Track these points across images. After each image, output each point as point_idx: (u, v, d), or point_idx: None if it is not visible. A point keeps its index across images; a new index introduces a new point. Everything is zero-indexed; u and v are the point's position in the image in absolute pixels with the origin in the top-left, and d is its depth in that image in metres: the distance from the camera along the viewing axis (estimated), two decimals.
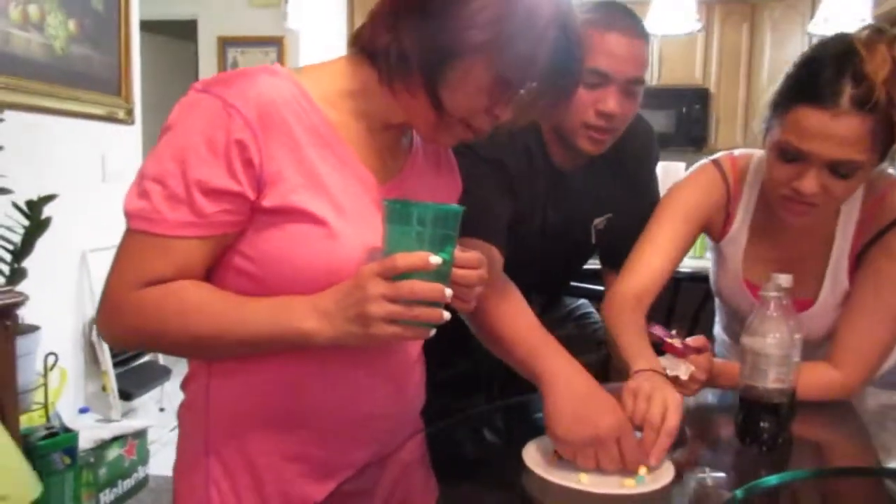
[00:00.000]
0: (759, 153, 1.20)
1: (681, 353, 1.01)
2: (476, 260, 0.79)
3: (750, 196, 1.21)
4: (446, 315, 0.70)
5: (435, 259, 0.68)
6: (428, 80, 0.74)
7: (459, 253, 0.76)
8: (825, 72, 0.97)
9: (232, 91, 0.73)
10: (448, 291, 0.70)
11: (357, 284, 0.69)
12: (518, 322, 0.99)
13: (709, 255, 1.38)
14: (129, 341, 0.80)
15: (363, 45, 0.80)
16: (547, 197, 1.28)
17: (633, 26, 1.16)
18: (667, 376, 1.00)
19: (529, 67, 0.74)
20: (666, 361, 1.02)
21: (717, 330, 1.43)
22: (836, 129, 0.96)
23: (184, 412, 0.86)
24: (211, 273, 0.78)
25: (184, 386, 0.87)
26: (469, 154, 1.03)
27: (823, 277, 1.16)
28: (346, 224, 0.76)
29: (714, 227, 1.25)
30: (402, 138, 0.88)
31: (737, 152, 1.25)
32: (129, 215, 0.74)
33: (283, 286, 0.75)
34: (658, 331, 1.03)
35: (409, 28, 0.74)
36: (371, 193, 0.80)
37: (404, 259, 0.68)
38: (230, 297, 0.76)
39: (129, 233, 0.74)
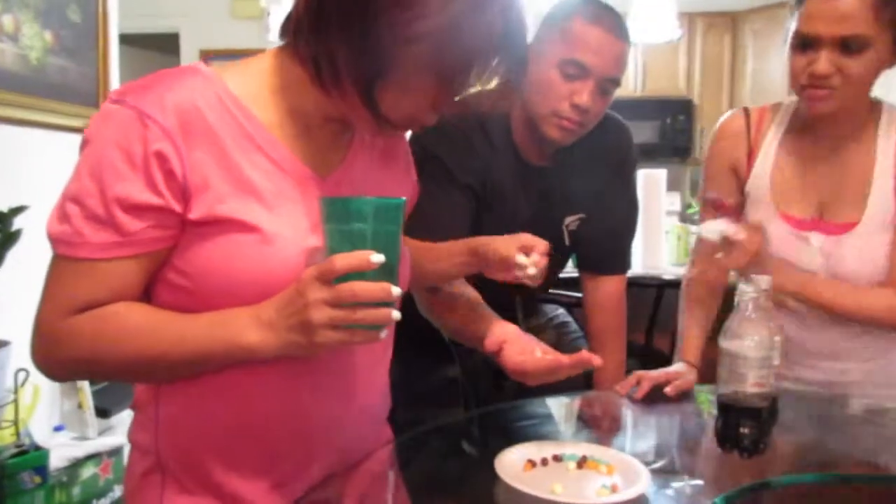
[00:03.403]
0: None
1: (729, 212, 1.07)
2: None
3: (777, 129, 1.23)
4: (396, 315, 0.66)
5: (377, 257, 0.64)
6: (364, 93, 0.70)
7: None
8: None
9: (147, 99, 0.68)
10: (396, 290, 0.65)
11: (297, 290, 0.66)
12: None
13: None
14: (66, 373, 0.76)
15: (287, 38, 0.76)
16: (515, 189, 1.27)
17: (618, 27, 1.17)
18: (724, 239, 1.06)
19: (470, 64, 0.70)
20: (721, 225, 1.05)
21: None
22: (837, 6, 1.05)
23: (135, 432, 0.82)
24: (148, 290, 0.75)
25: (134, 406, 0.83)
26: (415, 150, 1.01)
27: (866, 200, 1.17)
28: (281, 228, 0.72)
29: (739, 164, 1.26)
30: (344, 130, 0.82)
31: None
32: (51, 240, 0.70)
33: (222, 299, 0.71)
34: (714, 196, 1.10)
35: (339, 38, 0.69)
36: (311, 192, 0.76)
37: (343, 260, 0.64)
38: (167, 317, 0.72)
39: (55, 259, 0.71)
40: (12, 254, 1.89)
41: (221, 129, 0.71)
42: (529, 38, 0.75)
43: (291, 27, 0.74)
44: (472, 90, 0.75)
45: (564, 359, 0.89)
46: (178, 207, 0.69)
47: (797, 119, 1.23)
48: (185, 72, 0.73)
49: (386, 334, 0.68)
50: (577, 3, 1.19)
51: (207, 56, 4.08)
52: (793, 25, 1.11)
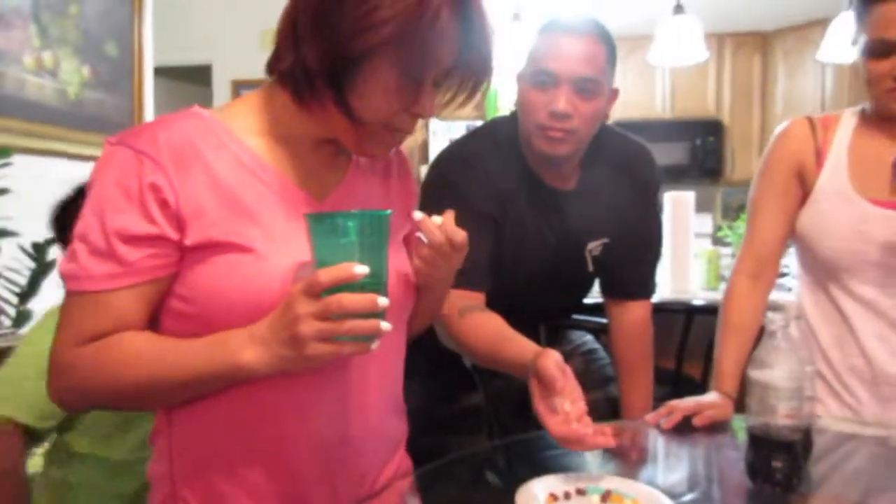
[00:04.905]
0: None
1: None
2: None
3: (847, 127, 1.24)
4: (385, 326, 0.66)
5: (361, 269, 0.65)
6: (335, 91, 0.73)
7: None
8: None
9: (142, 139, 0.74)
10: (383, 301, 0.65)
11: (287, 305, 0.67)
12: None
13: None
14: (75, 401, 0.78)
15: (273, 69, 0.79)
16: (536, 215, 1.26)
17: (582, 27, 1.18)
18: None
19: (432, 58, 0.73)
20: None
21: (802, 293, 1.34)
22: None
23: (151, 466, 0.84)
24: (154, 322, 0.77)
25: (151, 443, 0.84)
26: (433, 177, 1.00)
27: None
28: (275, 247, 0.75)
29: (805, 164, 1.25)
30: (338, 153, 0.86)
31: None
32: (62, 278, 0.74)
33: (223, 321, 0.72)
34: None
35: (308, 42, 0.73)
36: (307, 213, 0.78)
37: (327, 273, 0.64)
38: (168, 342, 0.74)
39: (66, 295, 0.75)
40: (47, 283, 1.93)
41: (215, 159, 0.75)
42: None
43: (275, 56, 0.78)
44: (449, 98, 0.77)
45: (588, 435, 0.87)
46: (173, 235, 0.73)
47: (865, 119, 1.24)
48: (182, 115, 0.78)
49: (377, 346, 0.67)
50: (546, 22, 1.22)
51: (239, 86, 4.17)
52: (864, 35, 1.14)
